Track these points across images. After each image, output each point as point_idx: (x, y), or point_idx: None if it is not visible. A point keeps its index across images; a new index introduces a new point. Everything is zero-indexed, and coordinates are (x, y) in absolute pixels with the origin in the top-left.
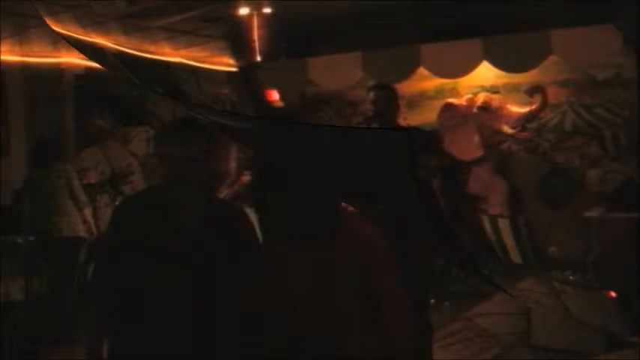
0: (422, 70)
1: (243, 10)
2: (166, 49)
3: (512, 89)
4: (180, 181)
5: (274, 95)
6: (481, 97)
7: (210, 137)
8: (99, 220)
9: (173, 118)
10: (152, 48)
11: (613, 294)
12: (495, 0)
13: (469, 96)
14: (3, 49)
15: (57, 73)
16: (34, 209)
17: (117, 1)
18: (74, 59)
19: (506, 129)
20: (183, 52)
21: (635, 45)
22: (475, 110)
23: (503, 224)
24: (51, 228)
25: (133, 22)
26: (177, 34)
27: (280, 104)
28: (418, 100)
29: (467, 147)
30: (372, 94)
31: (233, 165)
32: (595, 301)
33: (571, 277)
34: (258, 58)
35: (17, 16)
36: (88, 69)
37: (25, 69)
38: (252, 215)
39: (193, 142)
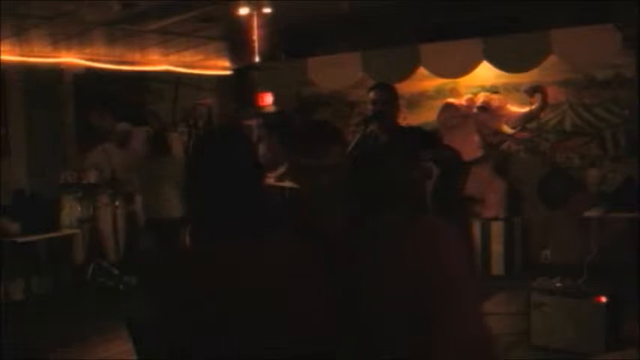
0: (422, 70)
1: (243, 10)
2: (154, 56)
3: (512, 89)
4: (321, 192)
5: (267, 99)
6: (481, 97)
7: (343, 142)
8: (98, 219)
9: (304, 124)
10: (137, 57)
11: (603, 299)
12: (495, 0)
13: (469, 96)
14: (3, 49)
15: (57, 73)
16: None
17: (112, 5)
18: (74, 59)
19: (506, 129)
20: (173, 57)
21: (635, 45)
22: (475, 110)
23: (497, 228)
24: (158, 210)
25: (124, 27)
26: (170, 38)
27: (272, 108)
28: (418, 100)
29: (467, 147)
30: (372, 94)
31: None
32: (579, 310)
33: (558, 284)
34: (258, 59)
35: (17, 16)
36: (88, 69)
37: (25, 69)
38: None
39: (331, 149)
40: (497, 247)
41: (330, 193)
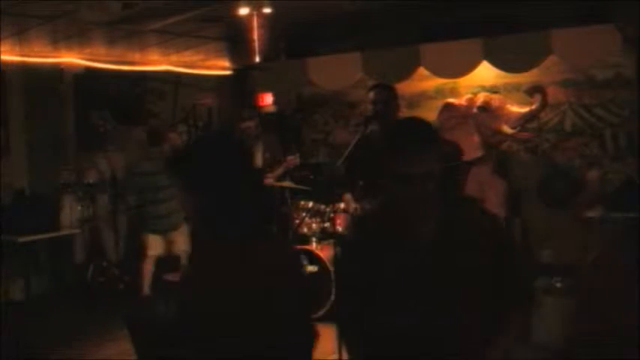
0: (422, 70)
1: (243, 10)
2: (154, 56)
3: (512, 89)
4: (416, 200)
5: (267, 99)
6: (481, 97)
7: (439, 149)
8: (98, 219)
9: (401, 132)
10: (137, 57)
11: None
12: (495, 0)
13: (469, 96)
14: (3, 49)
15: (57, 73)
16: None
17: (111, 5)
18: (74, 59)
19: (506, 129)
20: (173, 57)
21: (635, 45)
22: (475, 110)
23: None
24: None
25: (125, 26)
26: (170, 38)
27: (272, 108)
28: (418, 100)
29: (467, 147)
30: (372, 94)
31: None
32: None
33: (558, 285)
34: (258, 59)
35: (17, 16)
36: (88, 69)
37: (25, 69)
38: None
39: (429, 156)
40: None
41: (425, 201)
